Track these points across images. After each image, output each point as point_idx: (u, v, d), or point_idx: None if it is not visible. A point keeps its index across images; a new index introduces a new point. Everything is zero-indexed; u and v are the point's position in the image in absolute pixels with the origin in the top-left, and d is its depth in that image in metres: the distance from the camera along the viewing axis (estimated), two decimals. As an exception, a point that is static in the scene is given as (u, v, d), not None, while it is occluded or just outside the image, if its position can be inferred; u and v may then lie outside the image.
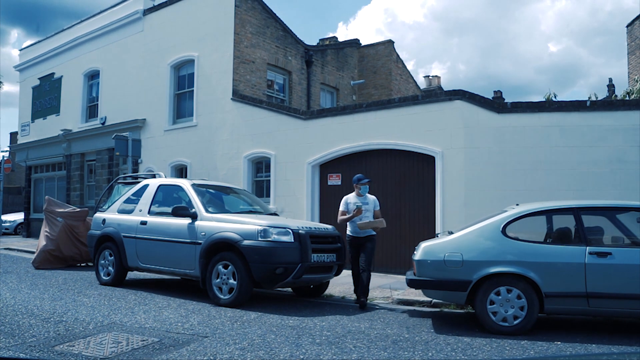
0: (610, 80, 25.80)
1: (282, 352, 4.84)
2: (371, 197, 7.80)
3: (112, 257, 8.85)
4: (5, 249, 15.73)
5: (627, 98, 14.10)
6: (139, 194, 9.03)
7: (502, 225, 6.02)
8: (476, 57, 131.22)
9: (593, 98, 13.54)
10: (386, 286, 8.91)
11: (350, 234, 7.70)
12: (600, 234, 6.07)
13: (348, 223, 7.70)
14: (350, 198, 7.75)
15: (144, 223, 8.45)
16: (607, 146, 9.06)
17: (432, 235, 9.05)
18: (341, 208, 7.74)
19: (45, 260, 11.17)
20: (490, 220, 6.23)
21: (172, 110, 15.62)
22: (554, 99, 13.61)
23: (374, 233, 7.71)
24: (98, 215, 9.61)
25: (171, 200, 8.49)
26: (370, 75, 19.22)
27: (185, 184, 8.53)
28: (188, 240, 7.69)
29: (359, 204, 7.56)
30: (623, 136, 9.00)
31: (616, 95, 23.22)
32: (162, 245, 8.06)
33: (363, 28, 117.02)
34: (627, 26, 18.83)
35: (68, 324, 5.79)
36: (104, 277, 8.95)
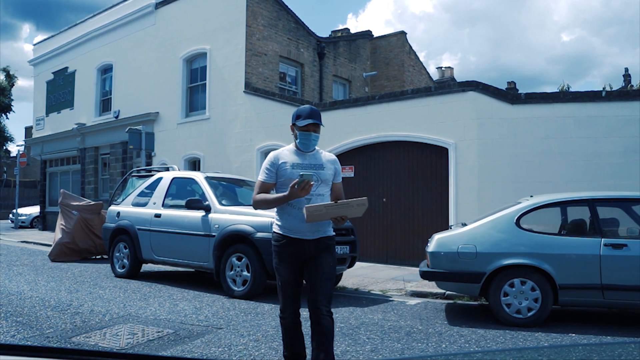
0: (626, 70, 25.53)
1: (295, 343, 4.86)
2: (327, 157, 3.83)
3: (127, 250, 8.94)
4: (21, 242, 15.93)
5: (643, 88, 13.93)
6: (152, 187, 9.09)
7: (516, 217, 5.99)
8: (487, 48, 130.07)
9: (607, 88, 13.40)
10: (399, 278, 8.91)
11: (282, 232, 3.67)
12: (616, 225, 6.02)
13: (277, 210, 3.72)
14: (284, 155, 3.74)
15: (158, 216, 8.52)
16: (623, 137, 8.95)
17: (446, 227, 9.02)
18: (261, 177, 3.73)
19: (61, 253, 11.30)
20: (504, 211, 6.20)
21: (185, 104, 15.68)
22: (567, 90, 13.48)
23: (333, 233, 3.77)
24: (112, 208, 9.69)
25: (185, 193, 8.54)
26: (382, 66, 19.14)
27: (198, 176, 8.57)
28: (202, 233, 7.74)
29: (306, 172, 3.54)
30: (638, 126, 8.88)
31: (632, 85, 22.95)
32: (176, 238, 8.12)
33: (373, 19, 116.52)
34: (643, 15, 18.52)
35: (84, 315, 5.87)
36: (119, 270, 9.04)
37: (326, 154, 3.88)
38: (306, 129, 3.67)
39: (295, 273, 3.69)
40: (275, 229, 3.72)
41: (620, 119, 9.00)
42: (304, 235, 3.60)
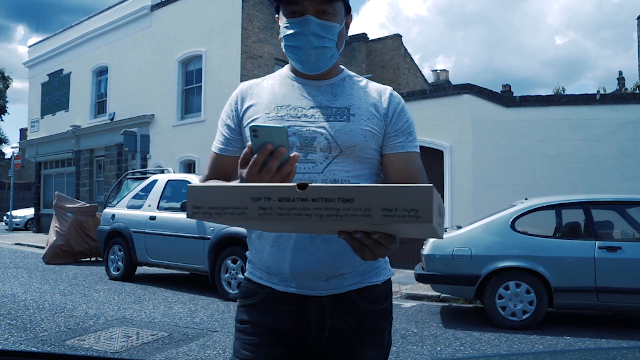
0: (620, 73, 25.60)
1: (291, 346, 4.85)
2: (374, 89, 1.58)
3: (122, 252, 8.91)
4: (15, 244, 15.85)
5: (638, 91, 14.00)
6: (147, 189, 9.07)
7: (510, 220, 6.00)
8: (481, 50, 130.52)
9: (601, 91, 13.47)
10: (394, 281, 8.90)
11: (254, 277, 1.48)
12: (610, 228, 6.04)
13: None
14: (263, 89, 1.56)
15: (152, 218, 8.49)
16: (617, 140, 9.00)
17: (441, 229, 9.03)
18: (214, 144, 1.54)
19: (55, 255, 11.25)
20: (498, 214, 6.21)
21: (181, 106, 15.66)
22: (562, 94, 13.54)
23: (391, 274, 1.64)
24: (107, 210, 9.67)
25: (180, 196, 8.51)
26: (378, 69, 19.17)
27: (193, 179, 8.55)
28: (197, 235, 7.72)
29: (273, 124, 1.31)
30: (633, 129, 8.94)
31: (626, 89, 23.06)
32: (171, 240, 8.10)
33: (367, 23, 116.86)
34: (637, 18, 18.65)
35: (79, 318, 5.84)
36: (114, 272, 9.01)
37: (373, 84, 1.64)
38: (293, 9, 1.49)
39: None
40: (247, 270, 1.56)
41: (614, 122, 9.05)
42: (304, 287, 1.45)
